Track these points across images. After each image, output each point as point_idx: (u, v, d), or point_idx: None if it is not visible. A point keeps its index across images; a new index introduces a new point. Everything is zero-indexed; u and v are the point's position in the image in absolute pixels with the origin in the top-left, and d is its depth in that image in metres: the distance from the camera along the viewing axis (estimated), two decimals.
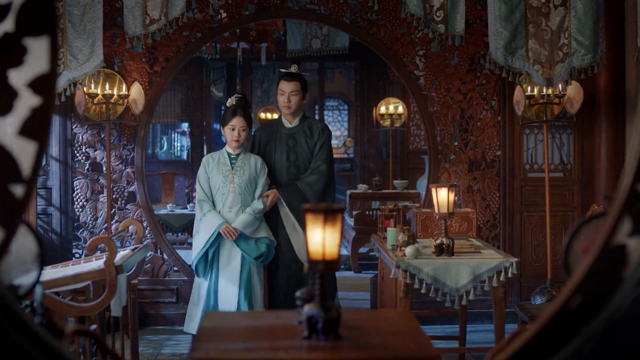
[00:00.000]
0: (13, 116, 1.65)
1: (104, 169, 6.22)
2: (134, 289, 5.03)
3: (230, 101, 5.26)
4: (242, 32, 9.72)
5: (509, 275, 4.43)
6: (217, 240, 5.12)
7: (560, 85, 5.83)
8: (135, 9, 5.70)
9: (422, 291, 4.47)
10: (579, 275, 1.71)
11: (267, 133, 5.49)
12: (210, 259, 5.14)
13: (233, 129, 5.17)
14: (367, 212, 9.03)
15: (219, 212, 5.17)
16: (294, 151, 5.42)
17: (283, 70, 5.54)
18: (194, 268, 5.19)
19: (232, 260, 5.12)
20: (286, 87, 5.38)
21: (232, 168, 5.20)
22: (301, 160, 5.40)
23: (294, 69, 5.46)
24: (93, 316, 4.17)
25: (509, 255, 4.56)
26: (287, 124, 5.47)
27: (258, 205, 5.18)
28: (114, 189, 6.30)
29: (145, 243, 5.65)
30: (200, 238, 5.13)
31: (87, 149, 6.29)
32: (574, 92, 5.93)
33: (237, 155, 5.25)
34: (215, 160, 5.25)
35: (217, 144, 15.56)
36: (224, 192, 5.18)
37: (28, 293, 1.80)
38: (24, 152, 1.64)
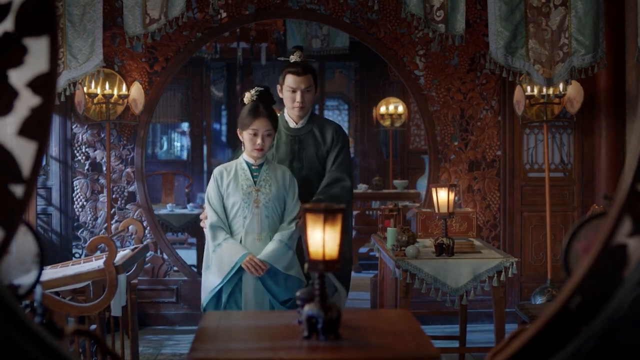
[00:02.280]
0: (13, 116, 1.65)
1: (104, 169, 6.22)
2: (134, 289, 5.02)
3: (249, 96, 4.07)
4: (242, 32, 9.72)
5: (509, 275, 4.43)
6: (235, 278, 3.94)
7: (560, 85, 5.83)
8: (135, 8, 5.70)
9: (422, 291, 4.47)
10: (579, 275, 1.71)
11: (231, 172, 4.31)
12: (224, 304, 3.95)
13: (255, 134, 3.97)
14: (367, 212, 9.03)
15: (240, 242, 3.97)
16: (299, 158, 4.39)
17: (281, 58, 4.58)
18: (202, 310, 4.05)
19: (259, 304, 3.94)
20: (298, 83, 4.32)
21: (255, 183, 4.00)
22: (306, 170, 4.37)
23: (297, 56, 4.39)
24: (93, 316, 4.17)
25: (509, 255, 4.56)
26: (292, 124, 4.44)
27: (289, 230, 3.98)
28: (114, 189, 6.30)
29: (145, 243, 5.64)
30: (213, 274, 3.93)
31: (87, 149, 6.29)
32: (574, 92, 5.93)
33: (260, 166, 4.05)
34: (231, 173, 4.03)
35: (217, 143, 15.58)
36: (245, 214, 3.97)
37: (28, 293, 1.79)
38: (24, 152, 1.64)
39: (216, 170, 4.07)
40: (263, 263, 3.87)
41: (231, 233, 3.98)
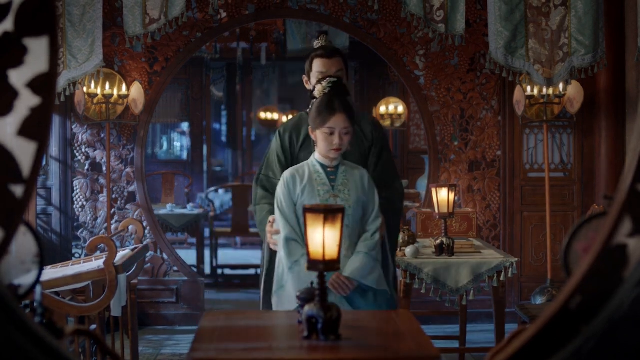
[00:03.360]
0: (13, 116, 1.65)
1: (104, 169, 6.22)
2: (134, 289, 5.02)
3: (321, 89, 3.47)
4: (242, 32, 9.72)
5: (509, 275, 4.43)
6: None
7: (560, 85, 5.83)
8: (135, 8, 5.70)
9: (422, 291, 4.48)
10: (579, 275, 1.71)
11: (294, 133, 3.81)
12: None
13: (331, 133, 3.40)
14: None
15: None
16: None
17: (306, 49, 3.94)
18: None
19: None
20: (328, 67, 3.72)
21: (333, 188, 3.45)
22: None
23: (323, 40, 3.86)
24: (93, 316, 4.17)
25: (509, 255, 4.56)
26: None
27: (373, 240, 3.44)
28: (114, 189, 6.30)
29: (145, 243, 5.64)
30: (289, 297, 3.31)
31: (87, 149, 6.29)
32: (574, 92, 5.93)
33: (336, 167, 3.50)
34: (304, 177, 3.46)
35: (217, 143, 15.57)
36: None
37: (28, 293, 1.79)
38: (24, 152, 1.64)
39: (287, 174, 3.48)
40: (350, 281, 3.36)
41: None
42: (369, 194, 3.47)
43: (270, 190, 3.67)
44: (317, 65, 3.75)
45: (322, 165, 3.47)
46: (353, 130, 3.44)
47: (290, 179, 3.43)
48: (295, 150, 3.75)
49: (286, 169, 3.59)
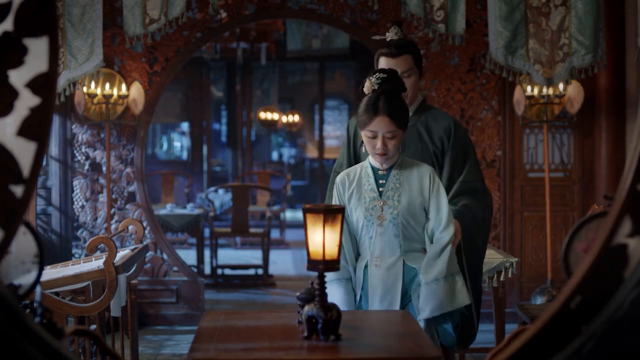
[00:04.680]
0: (13, 116, 1.65)
1: (104, 169, 6.22)
2: (134, 289, 5.02)
3: (369, 85, 3.12)
4: (242, 32, 9.72)
5: (509, 275, 4.43)
6: None
7: (560, 85, 5.83)
8: (135, 8, 5.70)
9: None
10: (579, 275, 1.71)
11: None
12: None
13: (374, 136, 3.06)
14: None
15: (365, 268, 3.09)
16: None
17: (376, 37, 3.63)
18: None
19: None
20: (392, 66, 3.34)
21: (381, 195, 3.09)
22: None
23: (394, 33, 3.45)
24: (93, 316, 4.17)
25: (509, 255, 4.56)
26: None
27: (440, 262, 3.01)
28: (114, 189, 6.30)
29: (145, 243, 5.64)
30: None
31: (87, 149, 6.29)
32: (574, 92, 5.93)
33: (389, 170, 3.13)
34: (354, 181, 3.16)
35: (217, 143, 15.58)
36: (370, 234, 3.09)
37: (28, 293, 1.79)
38: (24, 152, 1.64)
39: (338, 178, 3.21)
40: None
41: (358, 257, 3.15)
42: (432, 194, 3.03)
43: None
44: (382, 65, 3.43)
45: (374, 168, 3.15)
46: (402, 134, 3.06)
47: (340, 184, 3.17)
48: (358, 141, 3.44)
49: (351, 160, 3.41)
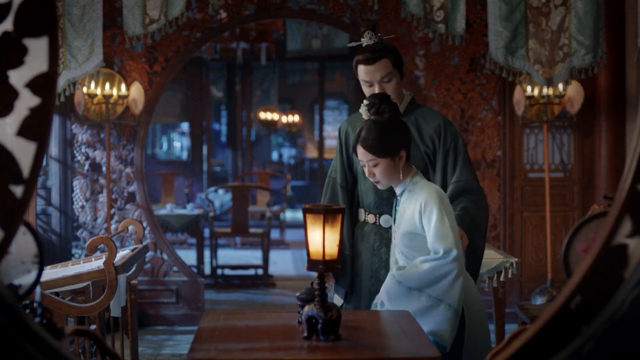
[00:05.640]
0: (13, 116, 1.65)
1: (104, 169, 6.22)
2: (134, 289, 5.02)
3: (365, 112, 3.06)
4: (242, 32, 9.72)
5: (509, 275, 4.42)
6: None
7: (560, 85, 5.83)
8: (134, 8, 5.70)
9: None
10: (579, 275, 1.71)
11: (350, 127, 3.47)
12: None
13: (363, 164, 3.07)
14: None
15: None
16: None
17: (353, 44, 3.42)
18: None
19: None
20: (371, 74, 3.29)
21: (395, 221, 3.13)
22: None
23: (368, 38, 3.33)
24: (93, 316, 4.17)
25: (509, 256, 4.55)
26: None
27: (416, 267, 2.93)
28: (114, 189, 6.30)
29: (145, 243, 5.64)
30: None
31: (87, 149, 6.29)
32: (574, 92, 5.93)
33: (401, 195, 3.08)
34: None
35: (217, 143, 15.58)
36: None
37: (28, 293, 1.79)
38: (24, 152, 1.64)
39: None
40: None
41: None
42: (423, 215, 2.94)
43: (334, 199, 3.42)
44: (360, 73, 3.34)
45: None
46: (389, 161, 2.96)
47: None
48: (350, 145, 3.37)
49: (344, 164, 3.40)
